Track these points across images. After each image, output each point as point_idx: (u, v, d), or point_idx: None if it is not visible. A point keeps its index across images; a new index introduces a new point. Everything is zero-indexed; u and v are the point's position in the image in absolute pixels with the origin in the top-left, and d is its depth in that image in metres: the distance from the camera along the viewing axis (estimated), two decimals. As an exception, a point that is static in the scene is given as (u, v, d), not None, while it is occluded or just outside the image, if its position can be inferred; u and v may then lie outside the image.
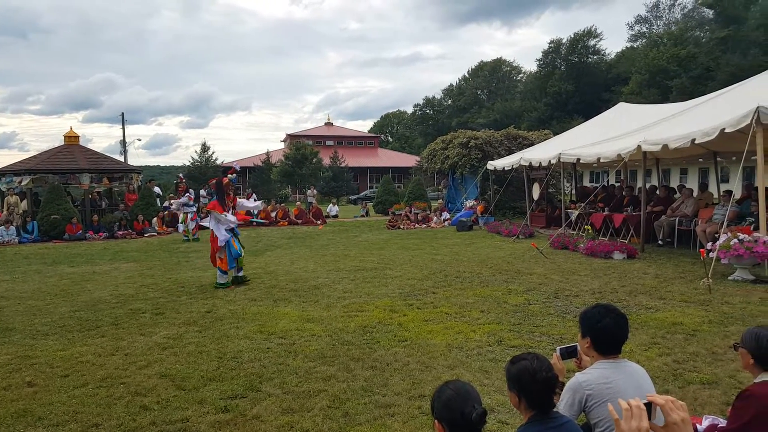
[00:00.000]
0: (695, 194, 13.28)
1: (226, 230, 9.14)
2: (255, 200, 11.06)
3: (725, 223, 9.35)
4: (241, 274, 9.44)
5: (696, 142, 9.78)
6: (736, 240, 8.20)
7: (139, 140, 76.99)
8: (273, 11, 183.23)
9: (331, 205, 27.51)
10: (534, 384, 2.25)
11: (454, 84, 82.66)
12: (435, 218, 21.40)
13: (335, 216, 26.14)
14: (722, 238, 8.48)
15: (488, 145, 22.77)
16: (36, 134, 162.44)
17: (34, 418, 4.18)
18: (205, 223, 9.57)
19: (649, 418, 1.63)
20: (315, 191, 31.93)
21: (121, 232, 18.63)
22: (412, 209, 22.27)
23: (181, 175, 21.43)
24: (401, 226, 19.93)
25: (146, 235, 18.81)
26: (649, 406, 1.65)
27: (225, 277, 9.17)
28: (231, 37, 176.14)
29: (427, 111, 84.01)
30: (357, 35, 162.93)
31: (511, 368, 2.36)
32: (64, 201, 18.69)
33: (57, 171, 19.87)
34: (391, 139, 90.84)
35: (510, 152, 21.35)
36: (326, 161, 46.62)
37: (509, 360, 2.42)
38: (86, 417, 4.17)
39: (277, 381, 4.79)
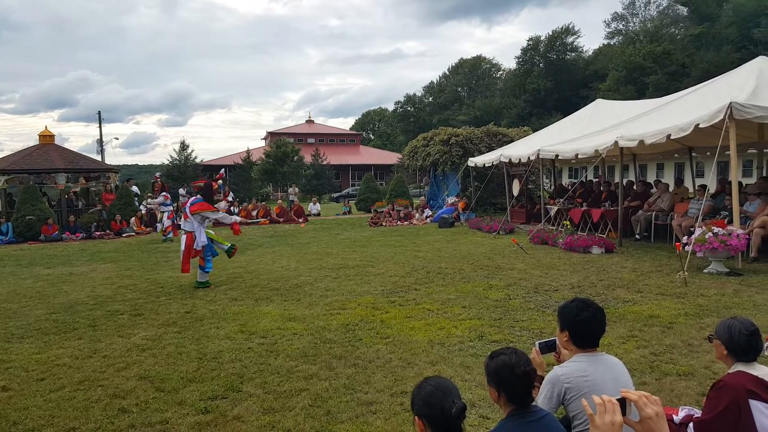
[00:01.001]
0: (671, 189, 13.50)
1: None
2: (232, 198, 10.98)
3: (700, 217, 9.51)
4: (228, 246, 9.57)
5: (671, 137, 9.93)
6: (710, 233, 8.34)
7: (117, 139, 76.36)
8: (251, 8, 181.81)
9: (311, 203, 27.37)
10: (513, 378, 2.26)
11: (435, 81, 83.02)
12: (417, 215, 21.45)
13: (317, 214, 26.06)
14: (697, 231, 8.62)
15: (469, 142, 22.87)
16: (10, 134, 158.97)
17: (9, 423, 4.11)
18: (186, 226, 9.21)
19: (624, 414, 1.65)
20: (297, 189, 31.76)
21: (98, 233, 18.36)
22: (395, 206, 22.29)
23: (157, 174, 21.18)
24: (383, 224, 19.94)
25: (124, 235, 18.56)
26: (623, 401, 1.67)
27: (206, 275, 9.09)
28: (209, 35, 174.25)
29: (408, 108, 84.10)
30: (337, 32, 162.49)
31: (490, 363, 2.37)
32: (39, 201, 18.35)
33: (32, 171, 19.51)
34: (372, 137, 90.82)
35: (490, 149, 21.48)
36: (308, 159, 46.44)
37: (488, 355, 2.43)
38: (63, 421, 4.11)
39: (258, 381, 4.76)
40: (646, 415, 1.63)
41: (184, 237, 9.15)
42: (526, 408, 2.30)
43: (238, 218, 9.82)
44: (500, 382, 2.30)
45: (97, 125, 45.75)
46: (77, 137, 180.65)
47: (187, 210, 9.16)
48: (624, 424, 1.64)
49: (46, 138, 21.64)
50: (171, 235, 16.68)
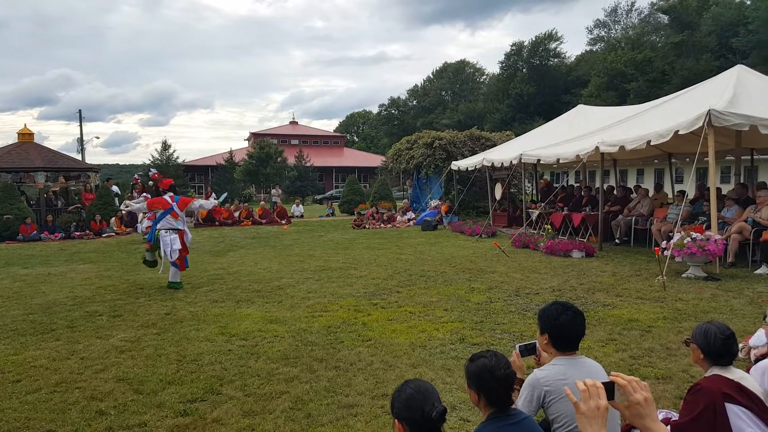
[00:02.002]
0: (651, 194, 13.67)
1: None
2: (214, 198, 10.97)
3: (679, 222, 9.65)
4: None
5: (651, 143, 10.07)
6: (689, 239, 8.47)
7: (98, 138, 75.19)
8: (236, 8, 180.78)
9: (294, 205, 27.26)
10: (493, 381, 2.27)
11: (419, 85, 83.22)
12: (400, 218, 21.47)
13: (300, 216, 25.96)
14: (676, 236, 8.74)
15: (452, 145, 22.97)
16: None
17: (-17, 425, 4.03)
18: (179, 225, 9.14)
19: (612, 398, 1.65)
20: (280, 190, 31.54)
21: (77, 233, 18.10)
22: (378, 209, 22.29)
23: (136, 175, 20.95)
24: (366, 226, 19.93)
25: (104, 235, 18.30)
26: (611, 386, 1.67)
27: (179, 275, 9.08)
28: (192, 34, 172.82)
29: (393, 111, 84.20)
30: (322, 34, 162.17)
31: (470, 366, 2.38)
32: (17, 200, 18.05)
33: (10, 169, 19.19)
34: (356, 139, 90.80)
35: (473, 153, 21.58)
36: (291, 160, 46.29)
37: (468, 358, 2.44)
38: (39, 423, 4.04)
39: (238, 383, 4.73)
40: (634, 400, 1.63)
41: (175, 236, 8.99)
42: (505, 411, 2.31)
43: (217, 202, 10.19)
44: (480, 384, 2.30)
45: (78, 124, 45.18)
46: (57, 136, 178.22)
47: (177, 209, 9.06)
48: (612, 408, 1.64)
49: (25, 136, 21.30)
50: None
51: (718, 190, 10.74)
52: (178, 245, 8.98)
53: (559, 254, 11.33)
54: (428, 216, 19.46)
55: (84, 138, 44.84)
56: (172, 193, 9.29)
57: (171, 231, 9.04)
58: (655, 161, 18.72)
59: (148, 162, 44.64)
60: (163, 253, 9.01)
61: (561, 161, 13.86)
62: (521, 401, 2.69)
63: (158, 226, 9.10)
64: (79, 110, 48.20)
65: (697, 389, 2.82)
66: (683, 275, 8.75)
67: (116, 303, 8.02)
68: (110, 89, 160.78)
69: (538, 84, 59.71)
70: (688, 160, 14.08)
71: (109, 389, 4.65)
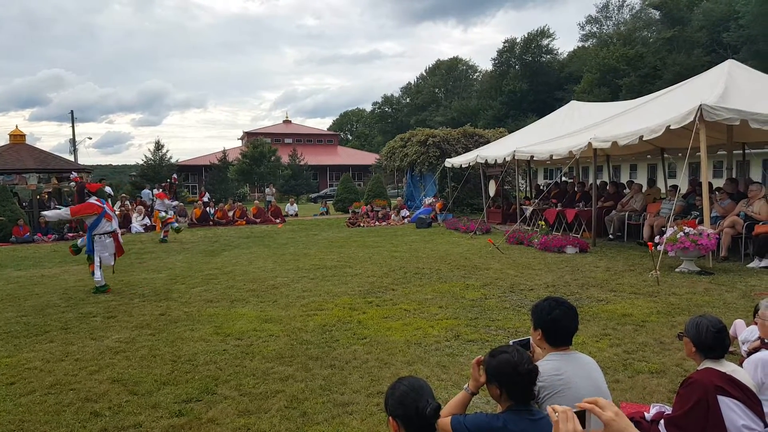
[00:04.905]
0: (644, 189, 13.73)
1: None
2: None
3: (672, 217, 9.69)
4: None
5: (644, 138, 10.11)
6: (682, 233, 8.51)
7: (90, 139, 74.18)
8: (227, 6, 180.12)
9: (289, 204, 27.22)
10: (517, 376, 2.28)
11: (412, 82, 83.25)
12: (394, 216, 21.49)
13: (295, 215, 25.94)
14: (669, 231, 8.78)
15: (446, 143, 22.99)
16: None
17: (-23, 428, 4.01)
18: (114, 226, 9.26)
19: (584, 426, 1.66)
20: (274, 190, 31.48)
21: (71, 234, 18.02)
22: (372, 207, 22.30)
23: (174, 175, 21.19)
24: (361, 224, 19.93)
25: (97, 236, 18.23)
26: (582, 415, 1.67)
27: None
28: (184, 33, 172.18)
29: (386, 109, 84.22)
30: (315, 32, 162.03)
31: (491, 362, 2.37)
32: (10, 202, 17.97)
33: (2, 171, 19.11)
34: (350, 137, 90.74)
35: (467, 150, 21.60)
36: (285, 159, 46.21)
37: (488, 353, 2.43)
38: (33, 425, 4.03)
39: (233, 383, 4.72)
40: (607, 418, 1.64)
41: (110, 240, 9.09)
42: (527, 405, 2.33)
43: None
44: (502, 379, 2.31)
45: (70, 125, 45.01)
46: (49, 137, 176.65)
47: (109, 210, 9.19)
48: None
49: (17, 138, 21.24)
50: (166, 237, 16.54)
51: (710, 184, 10.80)
52: (113, 249, 9.13)
53: (553, 250, 11.37)
54: (423, 213, 19.48)
55: (76, 139, 44.66)
56: (97, 197, 9.26)
57: (106, 235, 9.07)
58: (648, 156, 18.79)
59: (141, 162, 44.34)
60: (97, 258, 8.91)
61: (554, 157, 13.89)
62: (515, 397, 2.70)
63: (93, 232, 8.99)
64: (71, 111, 47.98)
65: (689, 382, 2.84)
66: (676, 270, 8.79)
67: (110, 304, 7.99)
68: (102, 89, 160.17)
69: (531, 81, 59.87)
70: (680, 155, 14.16)
71: (104, 390, 4.64)
